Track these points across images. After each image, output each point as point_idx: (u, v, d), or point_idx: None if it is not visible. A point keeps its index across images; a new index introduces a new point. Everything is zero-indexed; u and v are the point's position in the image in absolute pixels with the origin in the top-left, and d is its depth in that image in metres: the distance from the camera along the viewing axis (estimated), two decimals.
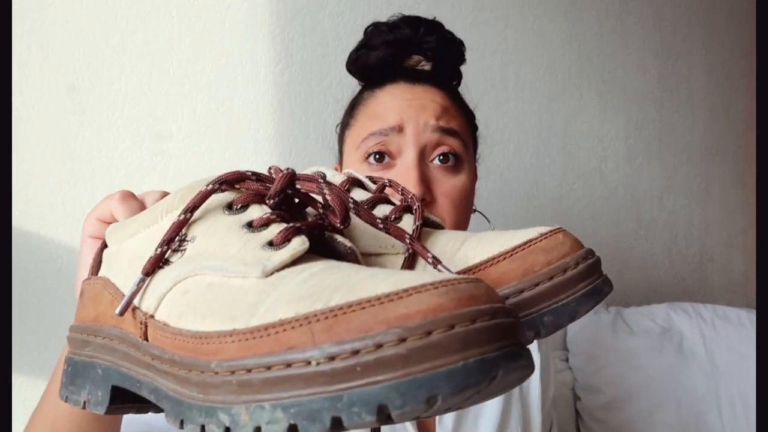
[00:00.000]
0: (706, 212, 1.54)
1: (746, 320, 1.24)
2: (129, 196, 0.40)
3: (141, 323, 0.29)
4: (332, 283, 0.23)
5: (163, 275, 0.29)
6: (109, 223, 0.40)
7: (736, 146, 1.58)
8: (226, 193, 0.31)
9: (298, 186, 0.31)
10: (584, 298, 0.31)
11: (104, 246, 0.37)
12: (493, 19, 1.22)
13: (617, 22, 1.40)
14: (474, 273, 0.31)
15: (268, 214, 0.29)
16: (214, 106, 0.94)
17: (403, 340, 0.19)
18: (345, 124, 0.71)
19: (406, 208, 0.36)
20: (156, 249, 0.29)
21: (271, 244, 0.28)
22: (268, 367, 0.22)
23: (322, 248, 0.30)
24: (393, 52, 0.69)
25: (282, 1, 0.99)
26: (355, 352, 0.20)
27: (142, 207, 0.39)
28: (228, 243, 0.28)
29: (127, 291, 0.30)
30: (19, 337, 0.81)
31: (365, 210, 0.32)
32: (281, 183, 0.30)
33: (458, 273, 0.30)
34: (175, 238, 0.30)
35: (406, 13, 0.72)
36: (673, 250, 1.49)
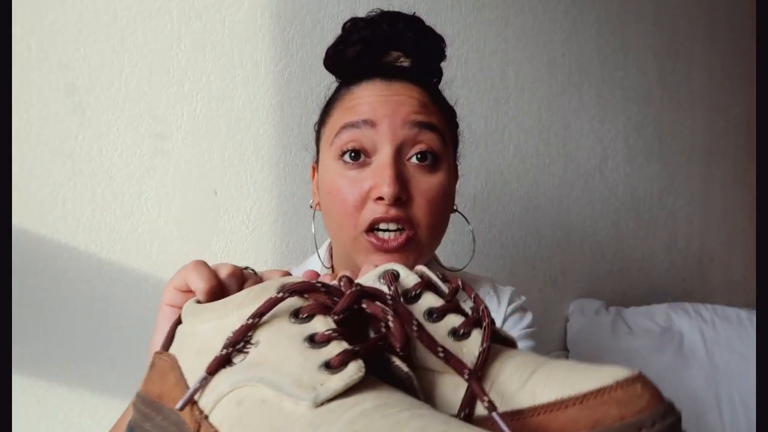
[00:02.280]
0: (706, 212, 1.54)
1: (746, 320, 1.25)
2: (201, 265, 0.42)
3: (196, 421, 0.30)
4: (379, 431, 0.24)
5: (224, 375, 0.30)
6: (186, 292, 0.42)
7: (736, 146, 1.58)
8: (295, 298, 0.32)
9: (363, 305, 0.32)
10: None
11: (179, 321, 0.39)
12: (493, 19, 1.22)
13: (617, 22, 1.40)
14: (540, 414, 0.29)
15: (330, 331, 0.30)
16: (214, 106, 0.94)
17: None
18: (321, 122, 0.70)
19: (476, 322, 0.34)
20: (222, 349, 0.31)
21: (328, 365, 0.28)
22: None
23: (381, 367, 0.30)
24: (371, 48, 0.67)
25: (282, 1, 0.99)
26: None
27: (215, 276, 0.41)
28: (288, 356, 0.29)
29: (190, 384, 0.32)
30: (19, 337, 0.81)
31: (428, 335, 0.32)
32: (347, 302, 0.31)
33: (525, 410, 0.29)
34: (240, 341, 0.31)
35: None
36: (673, 250, 1.49)
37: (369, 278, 0.36)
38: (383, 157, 0.61)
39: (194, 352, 0.34)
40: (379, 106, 0.62)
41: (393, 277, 0.35)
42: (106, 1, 0.88)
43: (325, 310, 0.31)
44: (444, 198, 0.65)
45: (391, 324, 0.31)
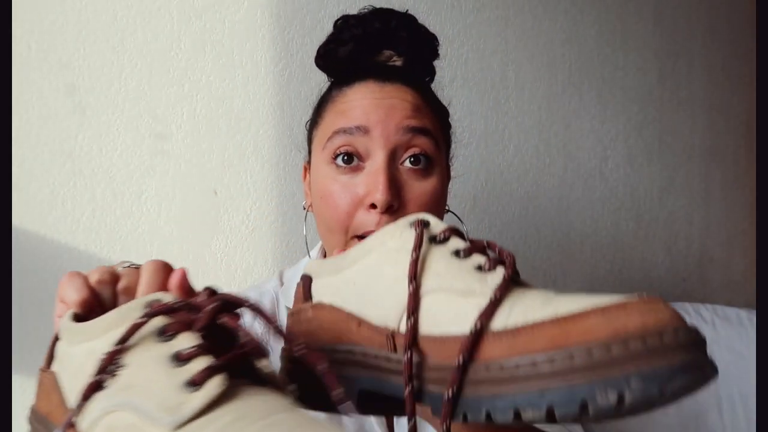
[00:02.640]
0: (706, 212, 1.54)
1: (746, 320, 1.24)
2: (74, 276, 0.42)
3: None
4: None
5: (97, 400, 0.32)
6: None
7: (736, 146, 1.58)
8: (160, 317, 0.33)
9: (223, 320, 0.33)
10: (681, 370, 0.28)
11: (57, 338, 0.39)
12: (493, 19, 1.22)
13: (617, 22, 1.40)
14: (561, 324, 0.30)
15: (194, 348, 0.31)
16: (214, 106, 0.94)
17: None
18: (313, 123, 0.70)
19: (500, 262, 0.37)
20: (93, 375, 0.32)
21: (192, 383, 0.30)
22: None
23: (249, 368, 0.33)
24: (363, 47, 0.67)
25: (282, 1, 0.99)
26: None
27: (86, 286, 0.41)
28: (153, 379, 0.31)
29: (70, 406, 0.33)
30: (19, 337, 0.81)
31: (284, 334, 0.36)
32: (206, 318, 0.33)
33: (546, 321, 0.31)
34: (109, 365, 0.32)
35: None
36: (673, 250, 1.49)
37: (400, 224, 0.39)
38: (376, 162, 0.61)
39: (72, 373, 0.35)
40: (372, 110, 0.62)
41: (423, 224, 0.38)
42: (106, 1, 0.88)
43: (188, 327, 0.33)
44: (437, 202, 0.64)
45: (243, 339, 0.33)
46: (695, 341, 0.29)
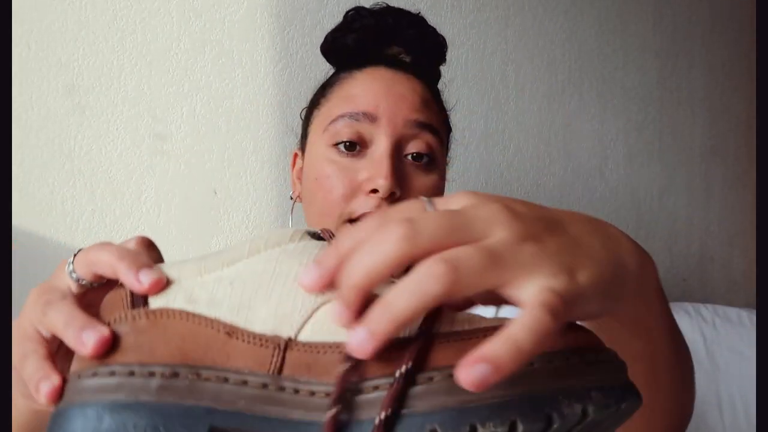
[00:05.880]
0: (706, 212, 1.54)
1: (746, 320, 1.24)
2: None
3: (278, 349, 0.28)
4: None
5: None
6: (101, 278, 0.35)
7: (736, 146, 1.58)
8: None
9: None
10: (629, 389, 0.28)
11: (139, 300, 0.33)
12: (493, 19, 1.22)
13: (617, 22, 1.40)
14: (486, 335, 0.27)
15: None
16: (214, 106, 0.94)
17: None
18: (314, 104, 0.67)
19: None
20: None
21: None
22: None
23: None
24: (372, 37, 0.66)
25: (282, 1, 0.99)
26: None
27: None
28: None
29: (295, 318, 0.29)
30: None
31: None
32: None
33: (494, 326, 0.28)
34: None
35: None
36: (673, 250, 1.49)
37: (297, 233, 0.33)
38: (380, 149, 0.59)
39: (232, 293, 0.30)
40: (382, 98, 0.60)
41: (331, 235, 0.34)
42: (106, 1, 0.88)
43: None
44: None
45: None
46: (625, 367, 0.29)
